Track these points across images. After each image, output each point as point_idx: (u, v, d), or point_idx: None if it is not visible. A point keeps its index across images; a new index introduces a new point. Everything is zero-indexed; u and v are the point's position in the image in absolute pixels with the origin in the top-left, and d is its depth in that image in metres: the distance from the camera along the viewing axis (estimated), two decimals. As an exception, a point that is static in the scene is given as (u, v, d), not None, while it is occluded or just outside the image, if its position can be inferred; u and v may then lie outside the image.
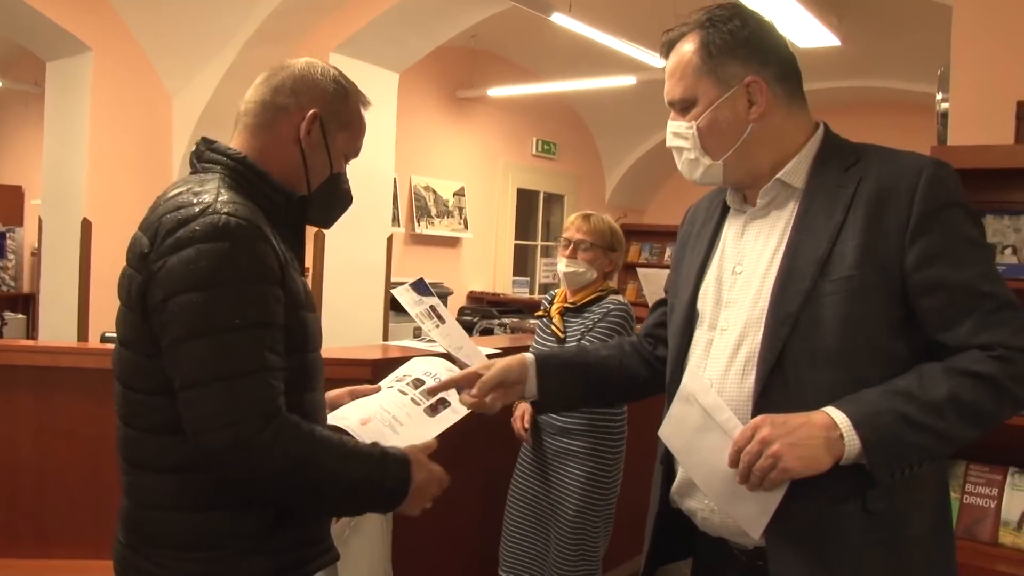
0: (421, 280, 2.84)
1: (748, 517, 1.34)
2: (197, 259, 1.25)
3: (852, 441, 1.25)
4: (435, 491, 1.47)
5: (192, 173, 1.45)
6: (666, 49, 1.47)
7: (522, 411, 2.83)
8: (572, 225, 2.85)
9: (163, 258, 1.28)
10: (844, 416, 1.26)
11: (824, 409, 1.28)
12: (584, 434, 2.73)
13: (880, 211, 1.33)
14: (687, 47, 1.43)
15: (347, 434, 1.53)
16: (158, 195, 1.42)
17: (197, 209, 1.30)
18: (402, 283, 2.13)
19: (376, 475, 1.37)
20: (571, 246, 2.81)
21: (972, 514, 2.21)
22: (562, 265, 2.81)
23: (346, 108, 1.51)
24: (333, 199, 1.54)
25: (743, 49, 1.40)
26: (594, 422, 2.73)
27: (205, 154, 1.45)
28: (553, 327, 2.81)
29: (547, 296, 3.02)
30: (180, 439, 1.28)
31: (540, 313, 2.99)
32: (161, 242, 1.29)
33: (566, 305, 2.83)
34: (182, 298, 1.25)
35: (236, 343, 1.26)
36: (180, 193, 1.36)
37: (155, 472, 1.34)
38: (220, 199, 1.32)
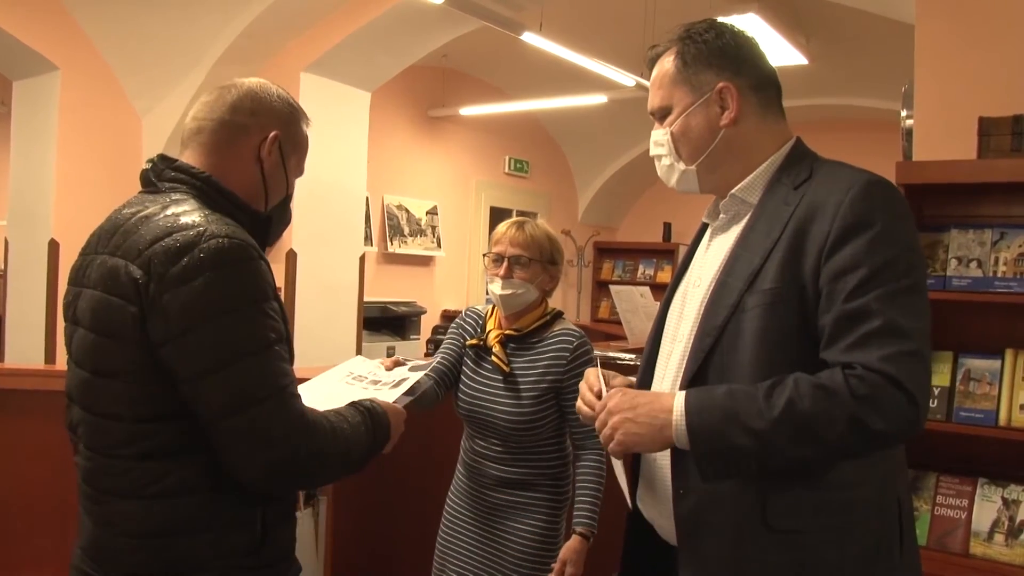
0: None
1: (625, 487, 1.38)
2: (209, 288, 1.25)
3: (680, 428, 1.26)
4: (402, 427, 1.54)
5: (148, 192, 1.41)
6: (650, 64, 1.52)
7: None
8: (504, 237, 2.27)
9: (171, 289, 1.25)
10: (682, 402, 1.27)
11: (677, 392, 1.30)
12: (534, 485, 2.25)
13: (807, 227, 1.32)
14: (667, 59, 1.48)
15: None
16: (114, 215, 1.39)
17: (193, 233, 1.27)
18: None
19: (369, 438, 1.43)
20: (505, 263, 2.25)
21: (943, 525, 2.22)
22: (496, 287, 2.25)
23: (299, 131, 1.53)
24: (281, 220, 1.56)
25: (717, 58, 1.44)
26: (542, 471, 2.26)
27: (166, 172, 1.41)
28: (496, 359, 2.25)
29: (468, 317, 2.43)
30: (173, 462, 1.28)
31: (473, 342, 2.33)
32: (164, 271, 1.26)
33: (508, 333, 2.28)
34: (201, 329, 1.25)
35: (259, 366, 1.27)
36: (156, 216, 1.32)
37: (145, 499, 1.29)
38: (211, 221, 1.30)
